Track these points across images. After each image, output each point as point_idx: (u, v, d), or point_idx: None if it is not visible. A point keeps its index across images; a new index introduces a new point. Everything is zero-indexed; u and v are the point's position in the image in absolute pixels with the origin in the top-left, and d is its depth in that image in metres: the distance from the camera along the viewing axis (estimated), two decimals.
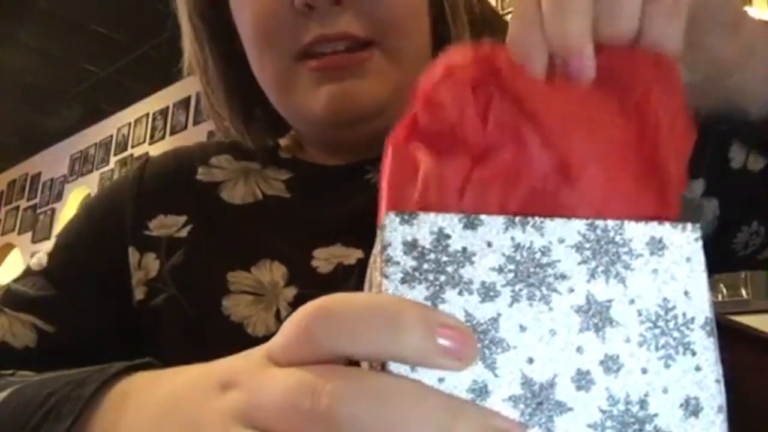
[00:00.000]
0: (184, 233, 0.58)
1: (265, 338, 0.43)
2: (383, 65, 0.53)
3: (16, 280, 0.59)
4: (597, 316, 0.26)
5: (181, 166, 0.63)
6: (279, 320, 0.51)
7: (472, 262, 0.26)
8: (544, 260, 0.26)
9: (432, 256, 0.26)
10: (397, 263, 0.26)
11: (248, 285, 0.54)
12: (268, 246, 0.56)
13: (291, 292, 0.53)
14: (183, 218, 0.58)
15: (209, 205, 0.59)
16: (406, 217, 0.26)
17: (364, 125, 0.54)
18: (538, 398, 0.25)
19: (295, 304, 0.52)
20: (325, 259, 0.54)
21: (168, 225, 0.58)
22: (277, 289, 0.53)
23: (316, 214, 0.57)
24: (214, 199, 0.60)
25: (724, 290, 2.22)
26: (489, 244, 0.26)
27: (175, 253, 0.57)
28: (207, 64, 0.61)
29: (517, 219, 0.27)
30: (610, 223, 0.27)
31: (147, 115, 6.39)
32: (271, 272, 0.54)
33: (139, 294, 0.56)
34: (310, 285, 0.53)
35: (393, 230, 0.26)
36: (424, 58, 0.56)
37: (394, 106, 0.51)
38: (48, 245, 0.60)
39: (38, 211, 7.52)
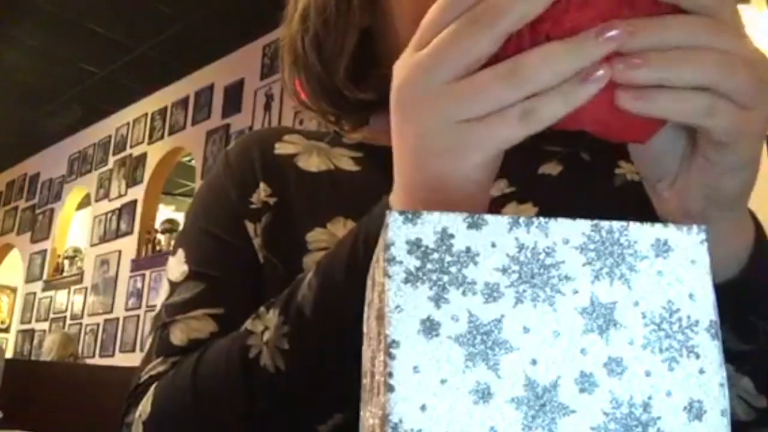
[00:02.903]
0: (271, 200, 0.64)
1: None
2: None
3: (167, 298, 0.62)
4: (601, 317, 0.26)
5: (260, 143, 0.68)
6: None
7: (476, 263, 0.26)
8: (549, 261, 0.26)
9: (436, 255, 0.26)
10: (401, 262, 0.25)
11: (325, 241, 0.59)
12: (341, 206, 0.60)
13: None
14: (269, 187, 0.64)
15: (288, 173, 0.65)
16: (409, 215, 0.26)
17: None
18: (541, 400, 0.25)
19: None
20: None
21: (260, 194, 0.64)
22: None
23: (383, 185, 0.60)
24: (292, 167, 0.66)
25: None
26: (493, 245, 0.26)
27: (263, 217, 0.63)
28: (330, 36, 0.63)
29: (521, 219, 0.27)
30: (615, 224, 0.27)
31: (145, 115, 6.39)
32: (345, 227, 0.58)
33: (261, 258, 0.62)
34: None
35: (396, 229, 0.26)
36: None
37: None
38: (179, 256, 0.64)
39: (37, 211, 7.52)
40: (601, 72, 0.32)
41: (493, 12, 0.32)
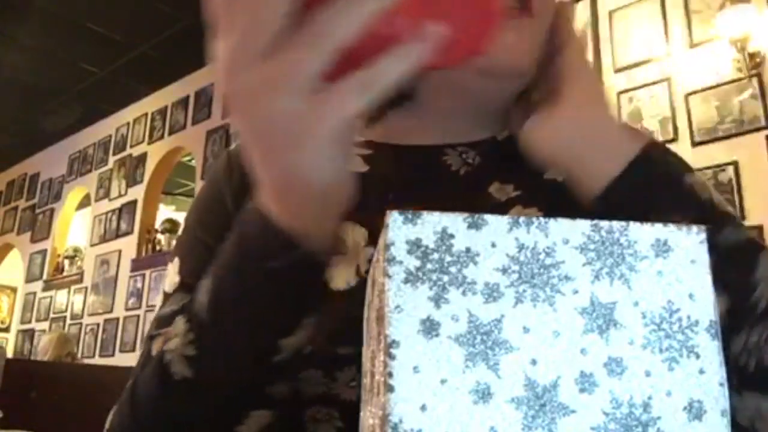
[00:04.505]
0: None
1: (346, 291, 0.54)
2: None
3: (159, 310, 0.62)
4: (601, 317, 0.26)
5: None
6: (358, 274, 0.56)
7: (475, 263, 0.26)
8: (549, 261, 0.26)
9: (435, 255, 0.26)
10: (401, 263, 0.25)
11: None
12: (350, 212, 0.59)
13: (371, 251, 0.57)
14: None
15: None
16: (409, 216, 0.26)
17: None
18: (541, 400, 0.25)
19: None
20: None
21: None
22: (358, 248, 0.58)
23: (389, 185, 0.61)
24: None
25: None
26: (493, 245, 0.26)
27: None
28: None
29: (521, 219, 0.27)
30: (615, 224, 0.27)
31: (146, 114, 6.38)
32: (353, 233, 0.58)
33: None
34: None
35: (396, 229, 0.26)
36: None
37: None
38: (174, 265, 0.63)
39: (37, 211, 7.51)
40: (436, 28, 0.33)
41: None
